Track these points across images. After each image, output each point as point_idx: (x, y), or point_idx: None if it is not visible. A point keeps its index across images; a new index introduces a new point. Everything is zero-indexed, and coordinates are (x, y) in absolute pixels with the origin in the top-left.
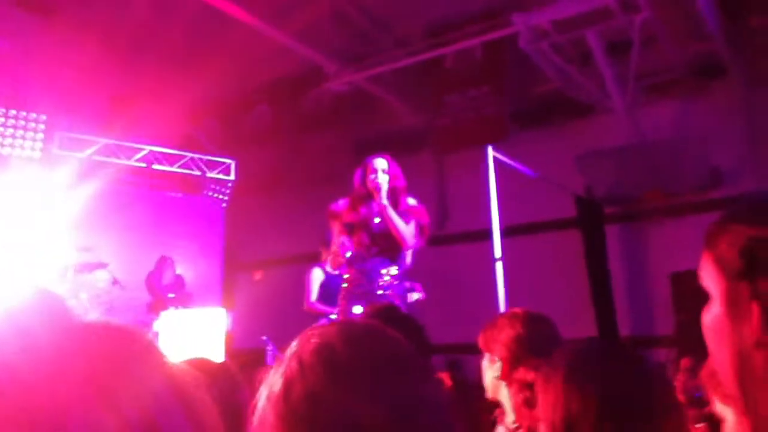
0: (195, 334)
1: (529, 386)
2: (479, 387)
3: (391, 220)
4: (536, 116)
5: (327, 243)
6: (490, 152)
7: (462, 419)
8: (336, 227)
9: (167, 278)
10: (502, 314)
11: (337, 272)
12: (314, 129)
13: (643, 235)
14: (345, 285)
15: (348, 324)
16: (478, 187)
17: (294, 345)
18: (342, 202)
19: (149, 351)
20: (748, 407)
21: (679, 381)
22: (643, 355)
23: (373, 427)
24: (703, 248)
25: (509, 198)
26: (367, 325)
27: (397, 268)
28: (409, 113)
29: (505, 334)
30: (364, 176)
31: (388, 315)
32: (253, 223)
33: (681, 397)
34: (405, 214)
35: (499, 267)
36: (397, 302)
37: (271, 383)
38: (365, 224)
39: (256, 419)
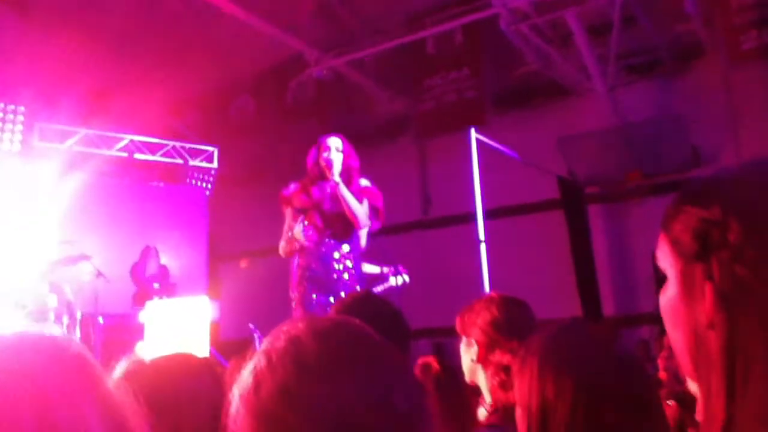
0: (180, 324)
1: (504, 369)
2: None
3: (343, 197)
4: (517, 99)
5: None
6: (473, 134)
7: (450, 403)
8: (289, 212)
9: (151, 269)
10: (478, 299)
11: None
12: (297, 118)
13: (625, 215)
14: (299, 270)
15: (316, 319)
16: (461, 171)
17: (264, 343)
18: (293, 186)
19: (82, 366)
20: (701, 386)
21: (661, 358)
22: (620, 339)
23: (345, 418)
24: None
25: (492, 181)
26: (334, 319)
27: (349, 246)
28: (390, 99)
29: (482, 318)
30: (318, 156)
31: (360, 305)
32: (237, 212)
33: (663, 375)
34: (358, 195)
35: (483, 249)
36: (359, 286)
37: (242, 382)
38: (317, 206)
39: (231, 419)
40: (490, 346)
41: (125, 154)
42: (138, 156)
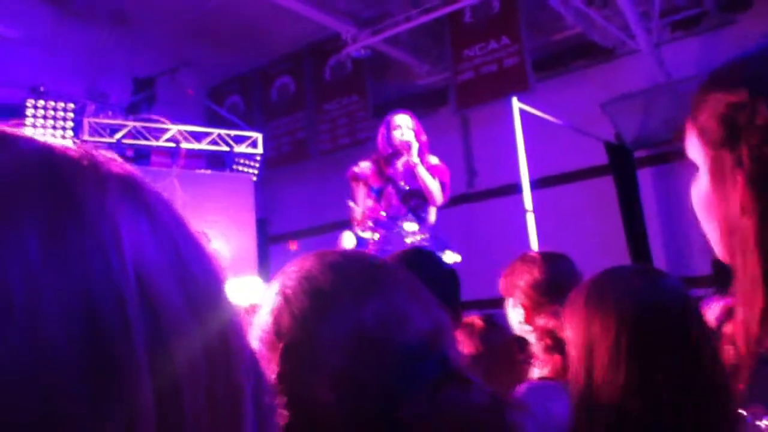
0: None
1: (550, 333)
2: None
3: (422, 177)
4: (559, 64)
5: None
6: (515, 103)
7: (498, 357)
8: (360, 190)
9: None
10: (520, 258)
11: (365, 233)
12: (336, 94)
13: (675, 176)
14: (374, 247)
15: (324, 253)
16: (505, 141)
17: (276, 281)
18: (365, 165)
19: None
20: (738, 275)
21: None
22: (672, 276)
23: (365, 339)
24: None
25: (537, 149)
26: (344, 251)
27: (422, 224)
28: (428, 72)
29: (524, 280)
30: (388, 134)
31: (414, 258)
32: (284, 193)
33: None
34: (430, 172)
35: (530, 219)
36: None
37: (260, 323)
38: (394, 185)
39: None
40: (536, 309)
41: (172, 144)
42: (184, 145)
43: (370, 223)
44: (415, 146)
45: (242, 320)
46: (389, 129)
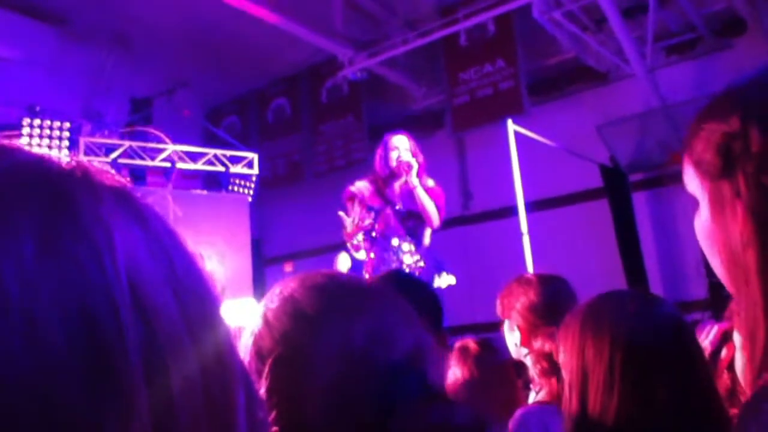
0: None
1: (546, 357)
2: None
3: (421, 200)
4: (554, 87)
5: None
6: (510, 125)
7: (492, 381)
8: (356, 210)
9: None
10: (516, 279)
11: (359, 254)
12: (332, 115)
13: (671, 199)
14: (370, 267)
15: (306, 275)
16: (500, 163)
17: (259, 306)
18: (362, 185)
19: None
20: (741, 307)
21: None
22: (665, 301)
23: (348, 355)
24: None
25: (532, 172)
26: (325, 272)
27: (418, 245)
28: (424, 95)
29: (520, 302)
30: (386, 155)
31: (395, 280)
32: (279, 214)
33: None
34: (427, 194)
35: (526, 242)
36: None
37: (244, 345)
38: (392, 206)
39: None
40: (532, 331)
41: (168, 164)
42: (180, 165)
43: (360, 240)
44: (415, 168)
45: (234, 334)
46: (387, 150)
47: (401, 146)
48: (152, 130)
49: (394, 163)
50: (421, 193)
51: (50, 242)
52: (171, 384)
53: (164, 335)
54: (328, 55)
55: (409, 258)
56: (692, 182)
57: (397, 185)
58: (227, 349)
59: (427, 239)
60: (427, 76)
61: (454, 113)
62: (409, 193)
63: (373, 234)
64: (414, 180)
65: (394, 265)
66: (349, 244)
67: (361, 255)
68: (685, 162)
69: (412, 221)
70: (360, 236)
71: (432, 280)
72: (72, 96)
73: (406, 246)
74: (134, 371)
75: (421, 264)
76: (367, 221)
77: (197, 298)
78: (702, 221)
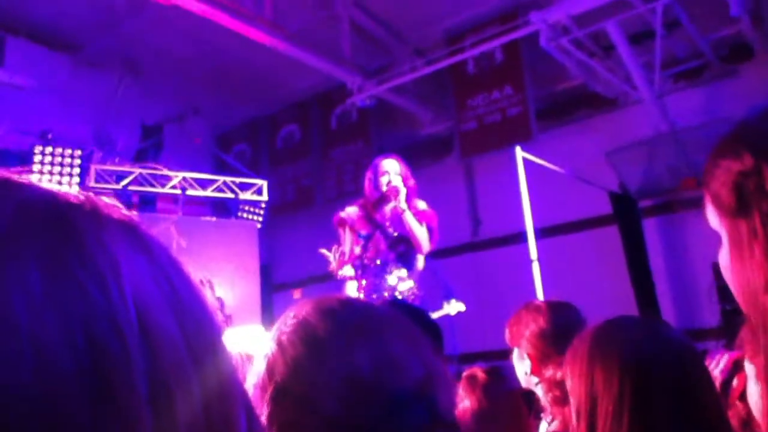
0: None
1: (558, 385)
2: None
3: (410, 225)
4: (562, 113)
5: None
6: (519, 152)
7: (501, 410)
8: (347, 236)
9: None
10: (525, 306)
11: (350, 286)
12: (341, 141)
13: (682, 225)
14: (361, 293)
15: (320, 300)
16: (509, 190)
17: (273, 330)
18: (352, 210)
19: None
20: (761, 350)
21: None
22: (674, 328)
23: (357, 383)
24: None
25: (541, 198)
26: (339, 297)
27: (410, 270)
28: (432, 121)
29: (530, 330)
30: (376, 179)
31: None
32: (288, 240)
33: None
34: (417, 217)
35: (535, 268)
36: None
37: (256, 369)
38: (382, 231)
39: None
40: (543, 360)
41: (178, 192)
42: (190, 192)
43: (348, 272)
44: (403, 192)
45: (237, 362)
46: (376, 174)
47: (391, 170)
48: (158, 167)
49: (384, 188)
50: (409, 218)
51: (57, 271)
52: (175, 410)
53: (168, 362)
54: (338, 82)
55: (402, 284)
56: (713, 218)
57: (387, 209)
58: (229, 376)
59: (420, 263)
60: (436, 102)
61: (463, 139)
62: (399, 218)
63: (364, 260)
64: (403, 205)
65: (386, 292)
66: (339, 277)
67: (351, 286)
68: (705, 198)
69: (402, 246)
70: (347, 269)
71: (435, 306)
72: (83, 122)
73: (398, 272)
74: (138, 397)
75: (414, 290)
76: (357, 249)
77: (200, 326)
78: (723, 257)
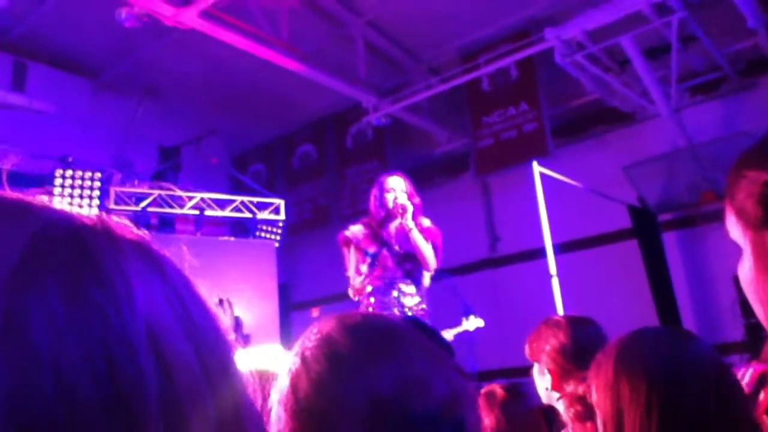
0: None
1: (580, 400)
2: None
3: (417, 243)
4: (579, 129)
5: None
6: (536, 167)
7: (520, 427)
8: (352, 255)
9: (226, 321)
10: (544, 322)
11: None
12: (357, 161)
13: (702, 239)
14: (370, 310)
15: (345, 316)
16: (527, 205)
17: (297, 345)
18: (357, 229)
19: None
20: None
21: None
22: (700, 338)
23: (378, 402)
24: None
25: (559, 213)
26: (364, 314)
27: (418, 287)
28: (448, 139)
29: (550, 345)
30: (381, 197)
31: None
32: (306, 259)
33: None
34: (423, 235)
35: (555, 284)
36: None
37: (280, 385)
38: (389, 248)
39: (272, 425)
40: (564, 375)
41: (196, 212)
42: (208, 212)
43: (362, 292)
44: (410, 210)
45: (249, 383)
46: (382, 191)
47: (397, 187)
48: (176, 189)
49: (390, 205)
50: (416, 235)
51: (75, 293)
52: (188, 422)
53: (182, 382)
54: (353, 101)
55: (410, 300)
56: (734, 230)
57: (392, 227)
58: (243, 397)
59: (426, 281)
60: (451, 120)
61: (479, 156)
62: (405, 235)
63: (369, 289)
64: (409, 222)
65: (395, 309)
66: (356, 299)
67: (363, 304)
68: (726, 209)
69: (409, 263)
70: (369, 287)
71: (454, 322)
72: (103, 145)
73: (406, 288)
74: (152, 417)
75: (423, 306)
76: (364, 267)
77: (213, 346)
78: (745, 270)
